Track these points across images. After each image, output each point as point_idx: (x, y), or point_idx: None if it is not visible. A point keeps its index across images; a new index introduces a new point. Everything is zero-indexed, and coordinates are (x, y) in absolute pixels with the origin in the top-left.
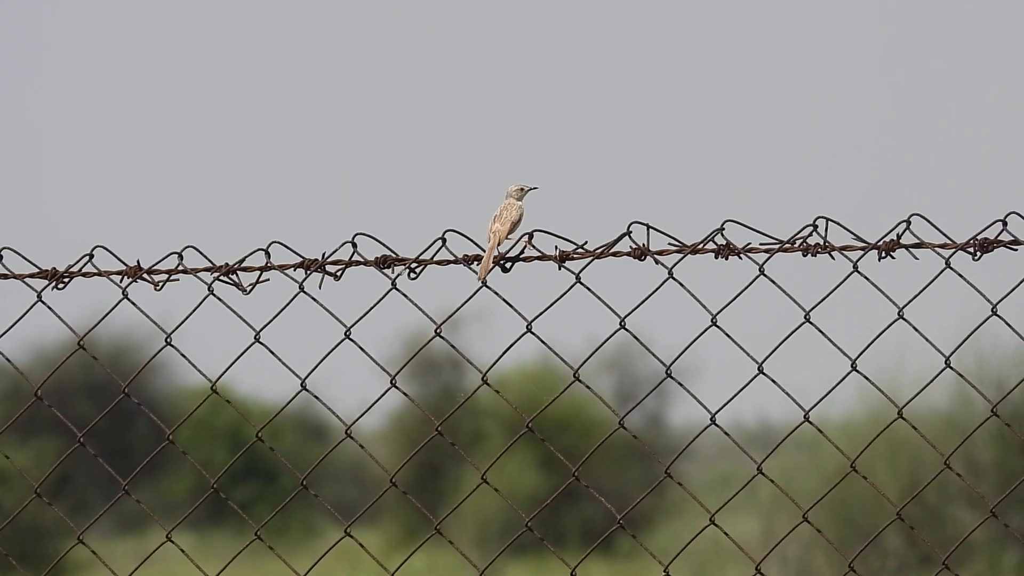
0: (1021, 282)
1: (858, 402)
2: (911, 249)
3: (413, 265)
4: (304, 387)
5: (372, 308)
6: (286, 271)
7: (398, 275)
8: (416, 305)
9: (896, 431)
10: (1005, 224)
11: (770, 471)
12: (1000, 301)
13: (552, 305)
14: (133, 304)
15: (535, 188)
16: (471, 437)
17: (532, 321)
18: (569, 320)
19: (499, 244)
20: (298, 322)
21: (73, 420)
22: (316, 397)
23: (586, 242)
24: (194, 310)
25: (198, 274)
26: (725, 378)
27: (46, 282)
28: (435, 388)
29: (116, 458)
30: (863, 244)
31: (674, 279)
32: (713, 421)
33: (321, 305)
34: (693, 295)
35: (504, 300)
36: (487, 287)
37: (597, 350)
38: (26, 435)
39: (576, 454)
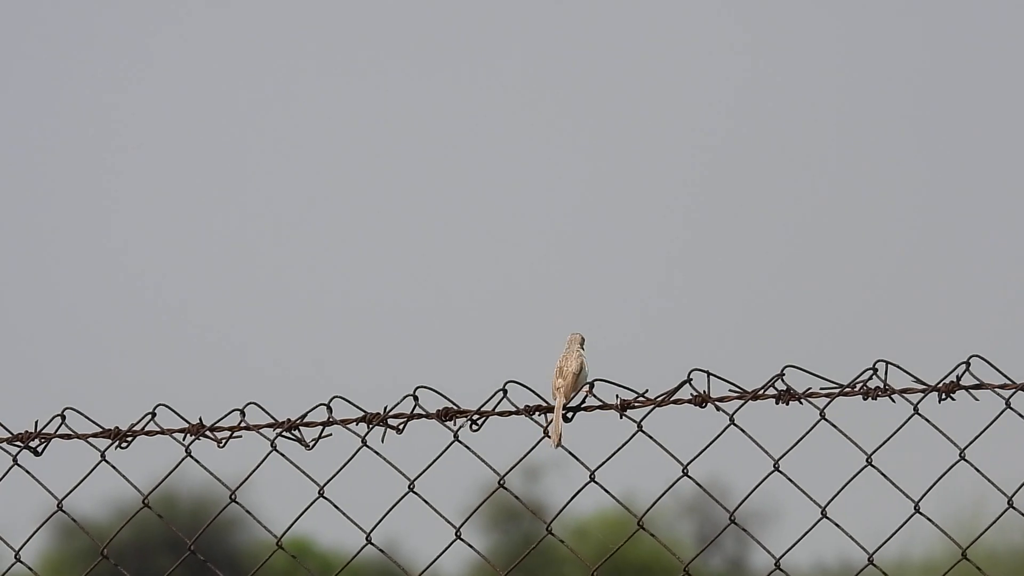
0: None
1: (938, 543)
2: (971, 391)
3: (475, 417)
4: (369, 541)
5: (434, 461)
6: (348, 426)
7: (460, 427)
8: (479, 457)
9: (976, 571)
10: None
11: None
12: None
13: (614, 455)
14: (197, 462)
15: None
16: None
17: (595, 471)
18: (643, 465)
19: (566, 399)
20: (365, 475)
21: None
22: (382, 551)
23: (647, 390)
24: (257, 467)
25: (260, 431)
26: (799, 521)
27: (109, 441)
28: (516, 536)
29: None
30: (923, 386)
31: (735, 425)
32: (778, 566)
33: (384, 459)
34: (755, 440)
35: (567, 451)
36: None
37: (659, 499)
38: None
39: None
